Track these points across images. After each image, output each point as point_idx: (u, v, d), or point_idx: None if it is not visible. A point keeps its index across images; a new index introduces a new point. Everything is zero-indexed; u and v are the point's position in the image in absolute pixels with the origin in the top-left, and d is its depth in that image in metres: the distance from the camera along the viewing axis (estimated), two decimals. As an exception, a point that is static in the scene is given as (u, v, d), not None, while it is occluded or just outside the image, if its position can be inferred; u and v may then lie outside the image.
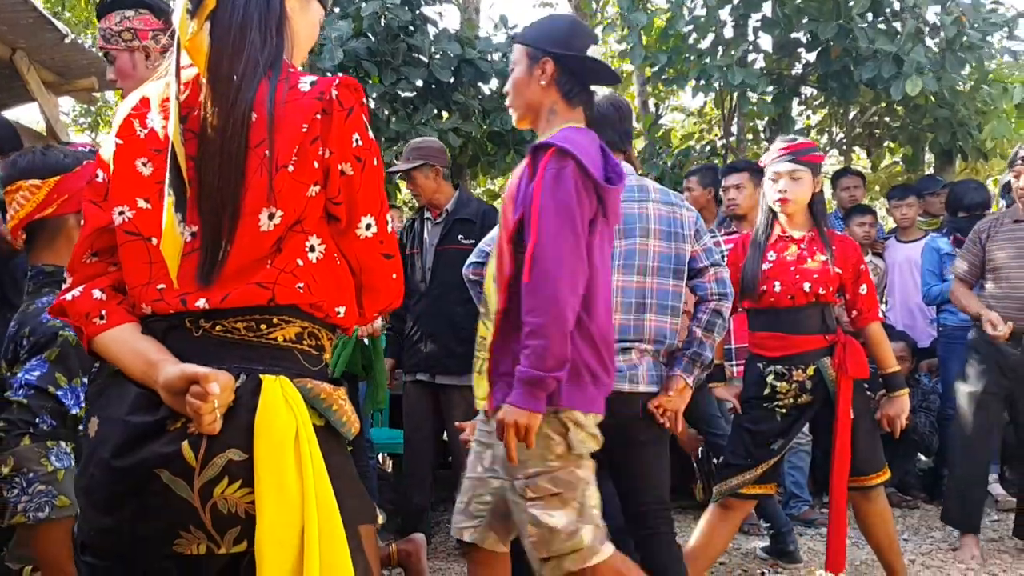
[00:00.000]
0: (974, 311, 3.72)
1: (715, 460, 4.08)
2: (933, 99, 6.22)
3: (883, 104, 6.84)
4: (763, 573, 3.56)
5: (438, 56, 5.04)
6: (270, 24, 1.32)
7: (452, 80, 5.17)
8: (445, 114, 5.32)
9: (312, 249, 1.30)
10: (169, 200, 1.22)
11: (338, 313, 1.35)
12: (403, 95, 5.14)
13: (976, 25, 5.72)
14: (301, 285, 1.28)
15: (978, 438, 3.79)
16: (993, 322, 3.58)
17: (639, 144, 7.12)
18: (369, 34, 5.36)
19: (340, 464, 1.32)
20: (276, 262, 1.26)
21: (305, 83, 1.30)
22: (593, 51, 2.16)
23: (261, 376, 1.22)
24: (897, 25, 5.84)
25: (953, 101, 6.11)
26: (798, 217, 3.14)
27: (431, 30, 5.47)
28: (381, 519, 2.15)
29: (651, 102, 8.22)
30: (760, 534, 4.00)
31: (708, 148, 7.27)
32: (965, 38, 5.69)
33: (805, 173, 3.07)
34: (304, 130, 1.26)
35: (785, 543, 3.73)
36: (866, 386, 3.22)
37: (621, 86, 8.21)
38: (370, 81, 5.12)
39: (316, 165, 1.28)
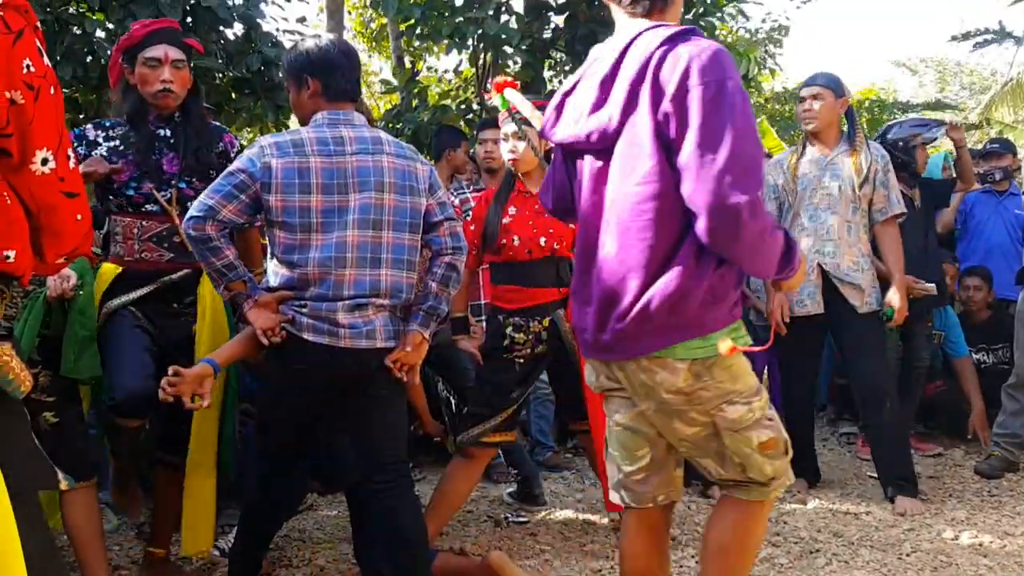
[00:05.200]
0: None
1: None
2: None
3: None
4: (507, 517, 3.70)
5: None
6: None
7: (188, 21, 4.77)
8: None
9: None
10: None
11: (7, 258, 1.23)
12: None
13: None
14: None
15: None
16: None
17: (395, 100, 7.04)
18: None
19: (5, 425, 1.22)
20: None
21: None
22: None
23: None
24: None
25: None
26: (534, 174, 3.24)
27: None
28: (64, 484, 1.95)
29: (407, 59, 8.14)
30: (509, 481, 4.16)
31: (464, 107, 7.33)
32: (702, 9, 6.15)
33: (531, 131, 3.17)
34: None
35: (531, 487, 3.90)
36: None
37: (377, 40, 8.06)
38: (93, 17, 4.63)
39: None
